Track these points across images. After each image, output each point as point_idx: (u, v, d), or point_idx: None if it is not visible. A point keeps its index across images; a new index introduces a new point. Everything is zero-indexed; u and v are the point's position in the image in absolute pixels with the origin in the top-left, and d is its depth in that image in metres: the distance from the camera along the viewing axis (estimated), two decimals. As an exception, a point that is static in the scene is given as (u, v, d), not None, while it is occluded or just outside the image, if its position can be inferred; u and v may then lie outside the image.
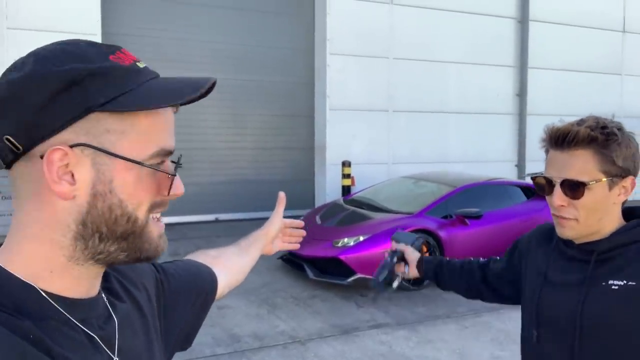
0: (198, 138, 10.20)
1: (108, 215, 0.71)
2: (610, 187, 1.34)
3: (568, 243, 1.45)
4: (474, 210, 6.73)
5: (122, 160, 0.70)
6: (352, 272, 6.17)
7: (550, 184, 1.38)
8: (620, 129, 1.35)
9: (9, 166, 0.71)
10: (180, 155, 0.80)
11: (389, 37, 11.30)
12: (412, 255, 1.91)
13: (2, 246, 0.73)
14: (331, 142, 10.86)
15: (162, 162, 0.75)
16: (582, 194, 1.32)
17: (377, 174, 10.54)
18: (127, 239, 0.73)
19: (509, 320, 5.52)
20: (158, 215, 0.78)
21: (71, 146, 0.68)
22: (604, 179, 1.32)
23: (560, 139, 1.35)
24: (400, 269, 1.91)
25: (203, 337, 4.98)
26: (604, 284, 1.35)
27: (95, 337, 0.74)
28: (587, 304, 1.35)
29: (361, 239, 6.35)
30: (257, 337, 5.03)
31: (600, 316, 1.34)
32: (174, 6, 10.09)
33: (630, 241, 1.37)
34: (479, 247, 6.80)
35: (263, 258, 6.31)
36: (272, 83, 10.95)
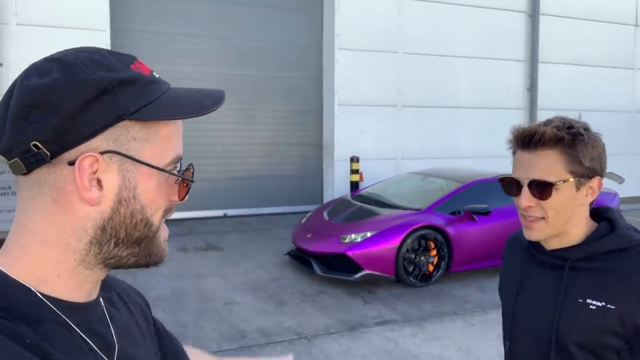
0: (206, 134, 10.20)
1: (129, 220, 0.73)
2: (578, 188, 1.34)
3: (539, 249, 1.44)
4: (482, 206, 6.69)
5: (145, 167, 0.73)
6: (359, 268, 6.16)
7: (517, 185, 1.37)
8: (586, 129, 1.35)
9: (29, 172, 0.69)
10: (191, 164, 0.83)
11: (398, 32, 11.24)
12: None
13: (2, 248, 0.72)
14: (339, 137, 10.83)
15: (174, 168, 0.77)
16: (550, 195, 1.32)
17: (385, 170, 10.51)
18: (140, 244, 0.75)
19: (516, 317, 5.48)
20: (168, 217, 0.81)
21: (101, 153, 0.69)
22: (571, 179, 1.32)
23: (527, 140, 1.34)
24: None
25: (210, 332, 4.99)
26: (580, 300, 1.33)
27: (93, 341, 0.73)
28: (563, 320, 1.34)
29: (368, 235, 6.33)
30: (264, 333, 5.03)
31: (576, 334, 1.32)
32: (182, 1, 10.09)
33: (605, 250, 1.36)
34: (487, 243, 6.76)
35: (270, 254, 6.30)
36: (281, 79, 10.94)
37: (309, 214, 7.72)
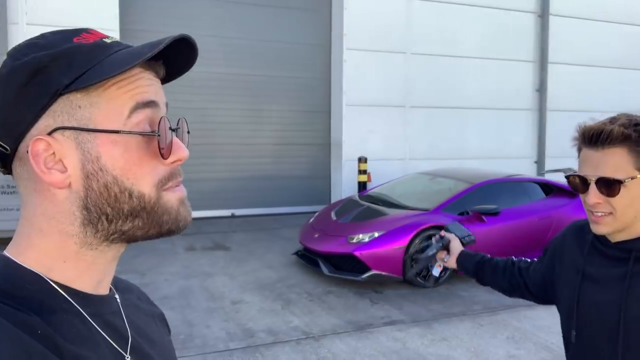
0: (214, 134, 10.24)
1: (106, 194, 0.69)
2: None
3: (604, 241, 1.47)
4: (491, 207, 6.65)
5: (103, 135, 0.68)
6: (366, 269, 6.14)
7: (584, 182, 1.39)
8: None
9: (8, 170, 0.72)
10: (180, 120, 0.77)
11: (407, 32, 11.21)
12: (457, 246, 2.01)
13: (12, 240, 0.73)
14: (347, 137, 10.82)
15: (154, 130, 0.71)
16: (618, 192, 1.34)
17: (393, 170, 10.49)
18: (138, 215, 0.71)
19: (525, 319, 5.45)
20: (175, 185, 0.75)
21: (49, 133, 0.68)
22: (639, 176, 1.34)
23: (595, 138, 1.35)
24: (442, 255, 2.01)
25: (217, 332, 4.99)
26: None
27: (107, 333, 0.73)
28: (630, 309, 1.36)
29: (376, 235, 6.31)
30: (271, 333, 5.02)
31: None
32: (191, 2, 10.11)
33: None
34: (496, 244, 6.72)
35: (278, 253, 6.33)
36: (289, 79, 10.95)
37: (316, 214, 7.70)
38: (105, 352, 0.71)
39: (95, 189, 0.69)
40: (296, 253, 7.18)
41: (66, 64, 0.67)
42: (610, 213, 1.37)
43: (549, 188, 7.55)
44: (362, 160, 10.10)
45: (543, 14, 12.39)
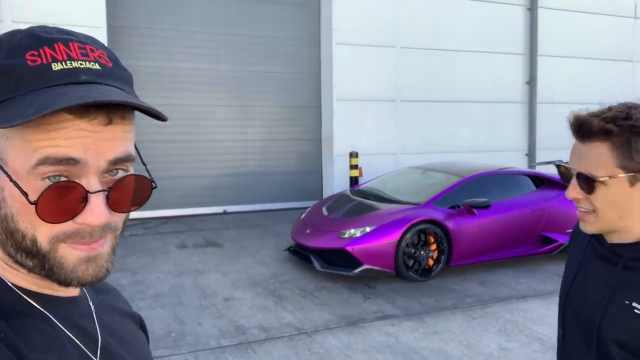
0: (204, 130, 10.19)
1: (6, 225, 0.64)
2: (632, 184, 1.21)
3: (601, 241, 1.36)
4: (482, 200, 6.66)
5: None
6: (358, 264, 6.14)
7: (570, 174, 1.30)
8: None
9: None
10: (124, 179, 0.67)
11: (396, 26, 11.19)
12: None
13: None
14: (338, 133, 10.80)
15: (73, 182, 0.62)
16: (594, 189, 1.23)
17: (385, 165, 10.50)
18: (35, 257, 0.65)
19: (517, 311, 5.47)
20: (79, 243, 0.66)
21: None
22: (622, 175, 1.20)
23: (576, 129, 1.26)
24: None
25: (209, 329, 4.97)
26: (627, 302, 1.24)
27: (75, 335, 0.71)
28: (606, 318, 1.27)
29: (368, 229, 6.30)
30: (263, 329, 5.01)
31: (617, 334, 1.25)
32: (179, -2, 10.04)
33: None
34: (488, 237, 6.74)
35: (270, 250, 6.32)
36: (279, 74, 10.91)
37: (308, 210, 7.69)
38: (72, 355, 0.69)
39: (1, 214, 0.64)
40: (288, 249, 7.17)
41: None
42: (593, 211, 1.26)
43: (540, 180, 7.57)
44: (353, 155, 10.10)
45: (532, 7, 12.41)
